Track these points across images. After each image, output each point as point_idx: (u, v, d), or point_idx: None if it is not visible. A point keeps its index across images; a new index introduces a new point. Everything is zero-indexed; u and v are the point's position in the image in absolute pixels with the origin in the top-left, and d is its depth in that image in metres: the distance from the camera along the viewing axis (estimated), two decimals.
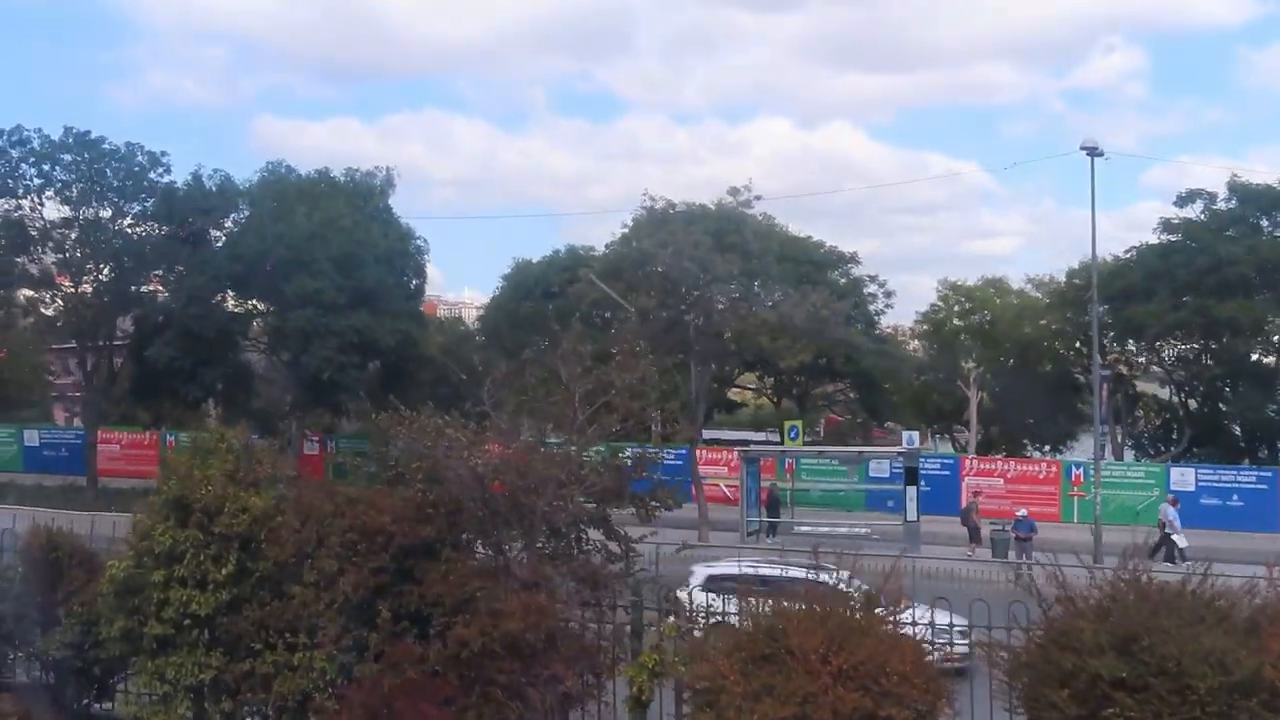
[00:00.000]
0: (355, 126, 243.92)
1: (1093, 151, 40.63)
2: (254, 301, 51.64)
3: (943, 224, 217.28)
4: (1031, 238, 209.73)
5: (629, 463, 15.64)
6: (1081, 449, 61.65)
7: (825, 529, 43.64)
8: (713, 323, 44.31)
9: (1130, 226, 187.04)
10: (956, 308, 64.21)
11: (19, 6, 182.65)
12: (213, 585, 14.06)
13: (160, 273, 52.46)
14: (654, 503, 15.77)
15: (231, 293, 51.62)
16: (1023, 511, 41.50)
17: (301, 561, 14.00)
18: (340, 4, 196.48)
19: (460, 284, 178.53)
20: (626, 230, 52.19)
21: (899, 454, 45.14)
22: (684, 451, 46.80)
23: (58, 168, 50.52)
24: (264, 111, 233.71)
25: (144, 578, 14.31)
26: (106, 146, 50.26)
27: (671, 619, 14.32)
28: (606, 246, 54.94)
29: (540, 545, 15.05)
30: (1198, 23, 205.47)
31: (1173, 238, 51.91)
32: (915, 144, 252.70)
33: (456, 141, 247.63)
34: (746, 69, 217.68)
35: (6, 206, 51.27)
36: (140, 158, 50.75)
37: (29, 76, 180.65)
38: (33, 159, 50.36)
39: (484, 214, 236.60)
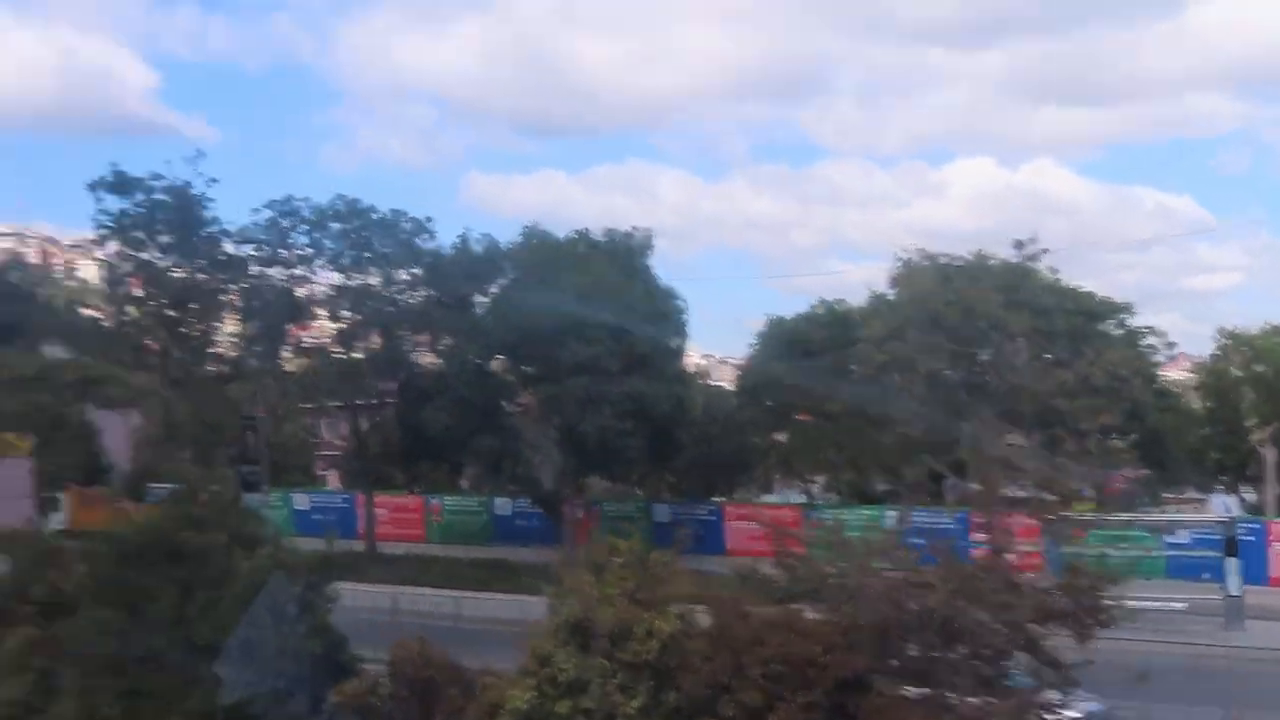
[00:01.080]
0: (561, 180, 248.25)
1: None
2: (525, 367, 51.26)
3: (1155, 260, 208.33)
4: (1251, 272, 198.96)
5: (1087, 579, 13.87)
6: None
7: (1133, 603, 40.64)
8: (1006, 383, 42.09)
9: None
10: (1238, 358, 60.21)
11: (239, 75, 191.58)
12: (622, 718, 12.90)
13: (426, 338, 52.78)
14: (1092, 621, 14.02)
15: (500, 358, 51.53)
16: None
17: (718, 693, 12.72)
18: (542, 60, 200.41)
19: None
20: (894, 284, 50.32)
21: (1218, 522, 41.94)
22: (961, 516, 44.40)
23: (327, 237, 51.28)
24: (471, 168, 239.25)
25: (546, 708, 13.23)
26: (375, 215, 50.81)
27: None
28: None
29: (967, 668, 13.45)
30: None
31: None
32: (1124, 179, 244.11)
33: (659, 191, 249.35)
34: (946, 108, 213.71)
35: (279, 275, 52.27)
36: (406, 224, 51.27)
37: (251, 143, 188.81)
38: (303, 228, 51.25)
39: (691, 263, 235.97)
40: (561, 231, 53.94)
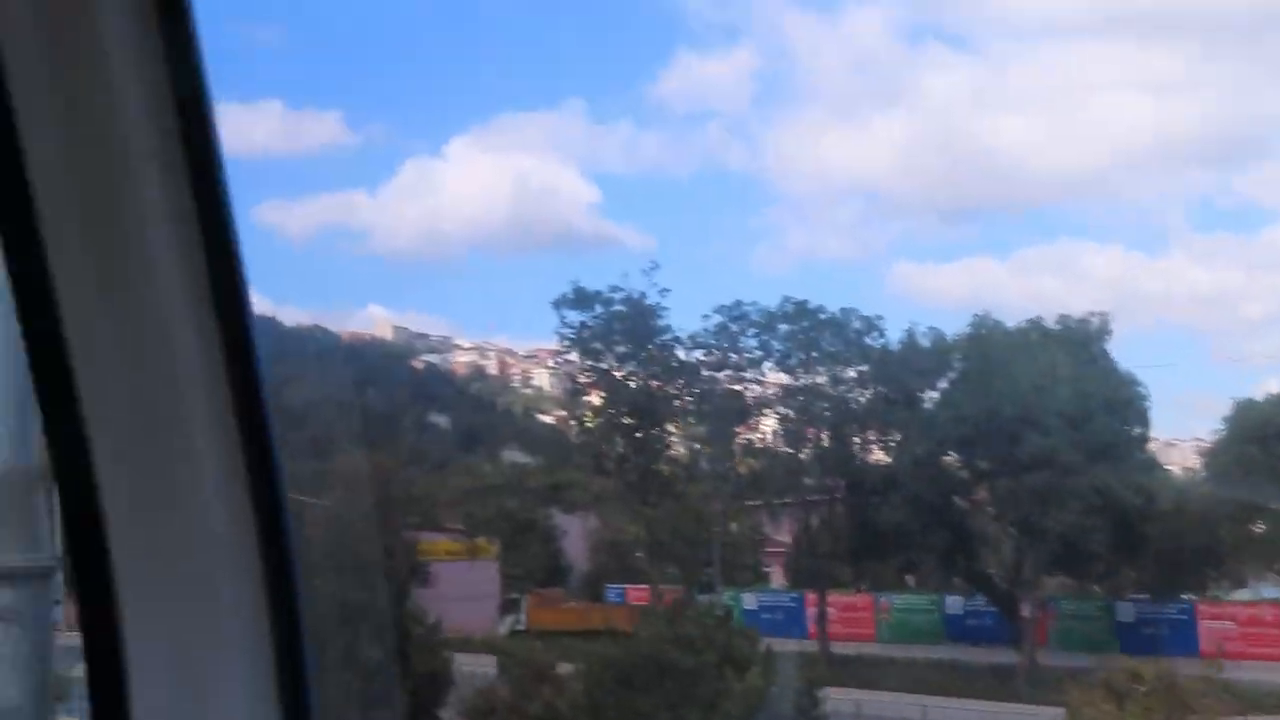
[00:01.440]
0: (987, 264, 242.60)
1: None
2: (978, 461, 50.01)
3: None
4: None
5: None
6: None
7: None
8: None
9: None
10: None
11: (671, 184, 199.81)
12: None
13: (874, 434, 52.57)
14: None
15: (953, 454, 50.54)
16: None
17: None
18: (960, 146, 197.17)
19: None
20: None
21: None
22: None
23: (775, 339, 52.27)
24: (897, 258, 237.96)
25: None
26: (823, 316, 51.32)
27: None
28: None
29: None
30: None
31: None
32: None
33: (1090, 269, 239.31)
34: None
35: (727, 379, 53.59)
36: (855, 323, 51.51)
37: (682, 248, 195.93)
38: (752, 331, 52.44)
39: (1126, 341, 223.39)
40: (1010, 321, 52.53)
